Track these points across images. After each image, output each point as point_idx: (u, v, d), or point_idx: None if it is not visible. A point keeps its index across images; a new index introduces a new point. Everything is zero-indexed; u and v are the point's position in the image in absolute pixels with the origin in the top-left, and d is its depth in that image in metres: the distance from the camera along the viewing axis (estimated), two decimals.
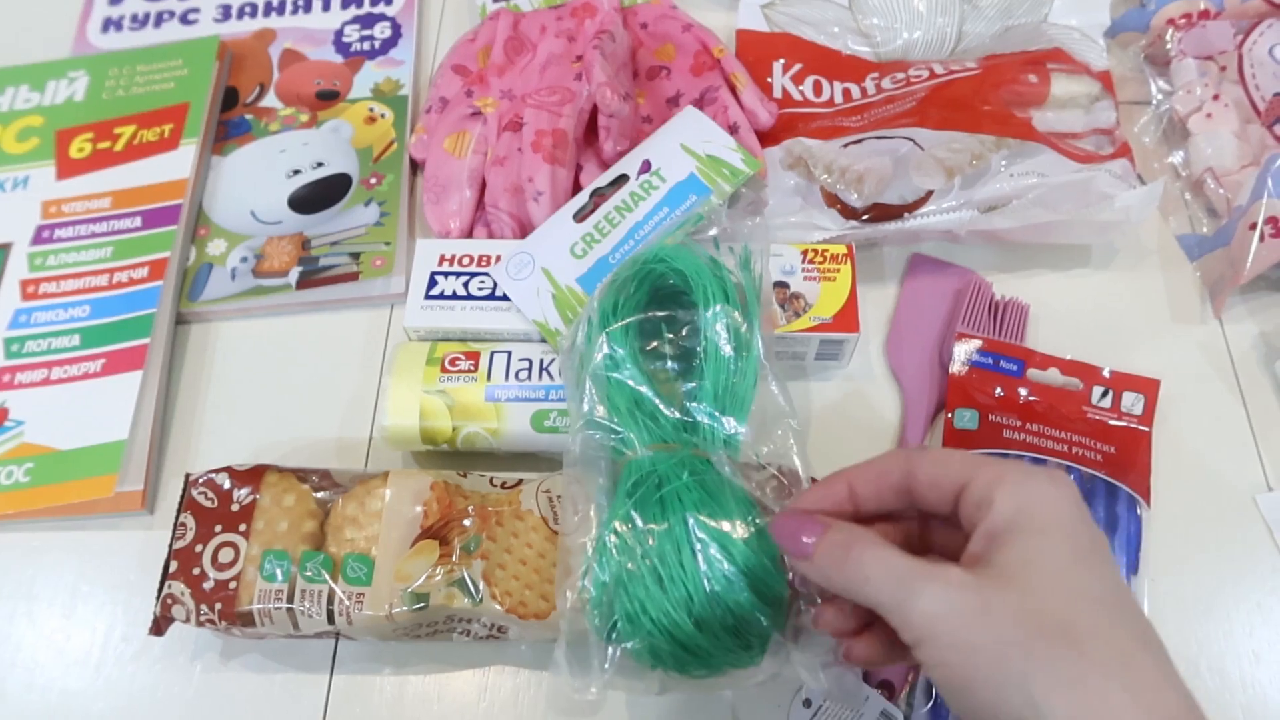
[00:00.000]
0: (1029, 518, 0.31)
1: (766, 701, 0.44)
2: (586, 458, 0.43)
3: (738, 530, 0.39)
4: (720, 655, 0.39)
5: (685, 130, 0.53)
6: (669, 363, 0.45)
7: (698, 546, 0.38)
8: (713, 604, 0.37)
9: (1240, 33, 0.61)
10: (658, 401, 0.42)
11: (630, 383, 0.43)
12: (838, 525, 0.34)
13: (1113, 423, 0.49)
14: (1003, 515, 0.31)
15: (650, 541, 0.39)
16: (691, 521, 0.39)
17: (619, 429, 0.42)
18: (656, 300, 0.46)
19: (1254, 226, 0.53)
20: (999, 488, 0.31)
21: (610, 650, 0.39)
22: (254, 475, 0.44)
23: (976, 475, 0.32)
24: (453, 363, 0.48)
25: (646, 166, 0.52)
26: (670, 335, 0.45)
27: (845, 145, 0.55)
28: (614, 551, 0.39)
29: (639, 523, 0.39)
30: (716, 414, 0.42)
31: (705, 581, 0.38)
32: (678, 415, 0.42)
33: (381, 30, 0.66)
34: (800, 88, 0.61)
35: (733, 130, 0.55)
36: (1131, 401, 0.50)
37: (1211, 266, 0.56)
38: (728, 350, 0.43)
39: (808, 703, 0.44)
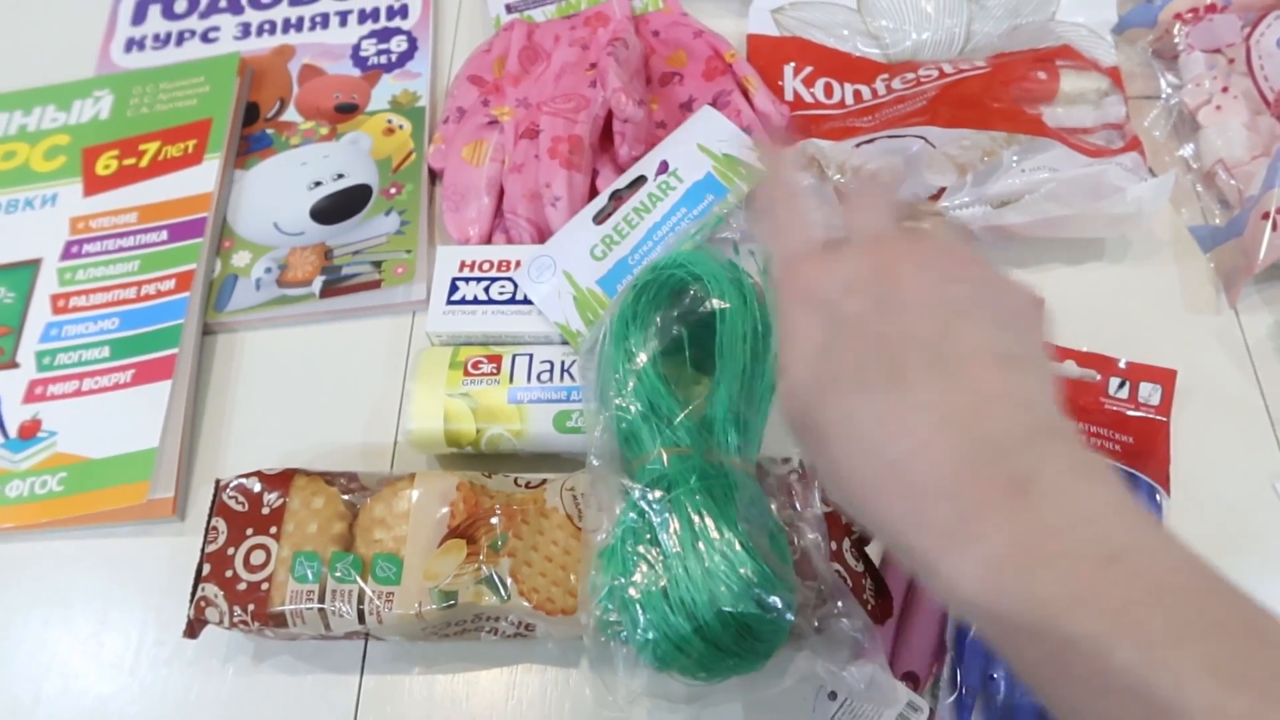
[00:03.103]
0: None
1: (792, 694, 0.44)
2: (606, 460, 0.43)
3: (744, 537, 0.39)
4: (724, 662, 0.39)
5: (702, 130, 0.54)
6: (687, 367, 0.45)
7: (702, 552, 0.38)
8: (715, 611, 0.37)
9: (1247, 25, 0.61)
10: (674, 405, 0.42)
11: (646, 386, 0.43)
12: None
13: (1130, 413, 0.50)
14: None
15: (655, 547, 0.39)
16: (697, 527, 0.39)
17: (635, 432, 0.43)
18: (675, 305, 0.46)
19: (1266, 216, 0.53)
20: None
21: (639, 665, 0.39)
22: (283, 479, 0.45)
23: None
24: (475, 366, 0.49)
25: (664, 167, 0.53)
26: (688, 339, 0.45)
27: (857, 145, 0.56)
28: (621, 557, 0.39)
29: (646, 527, 0.39)
30: (732, 417, 0.42)
31: (707, 588, 0.37)
32: (693, 419, 0.42)
33: (398, 44, 0.67)
34: (811, 90, 0.62)
35: (746, 133, 0.56)
36: (1149, 392, 0.50)
37: (1225, 257, 0.56)
38: (745, 353, 0.43)
39: (833, 695, 0.44)
